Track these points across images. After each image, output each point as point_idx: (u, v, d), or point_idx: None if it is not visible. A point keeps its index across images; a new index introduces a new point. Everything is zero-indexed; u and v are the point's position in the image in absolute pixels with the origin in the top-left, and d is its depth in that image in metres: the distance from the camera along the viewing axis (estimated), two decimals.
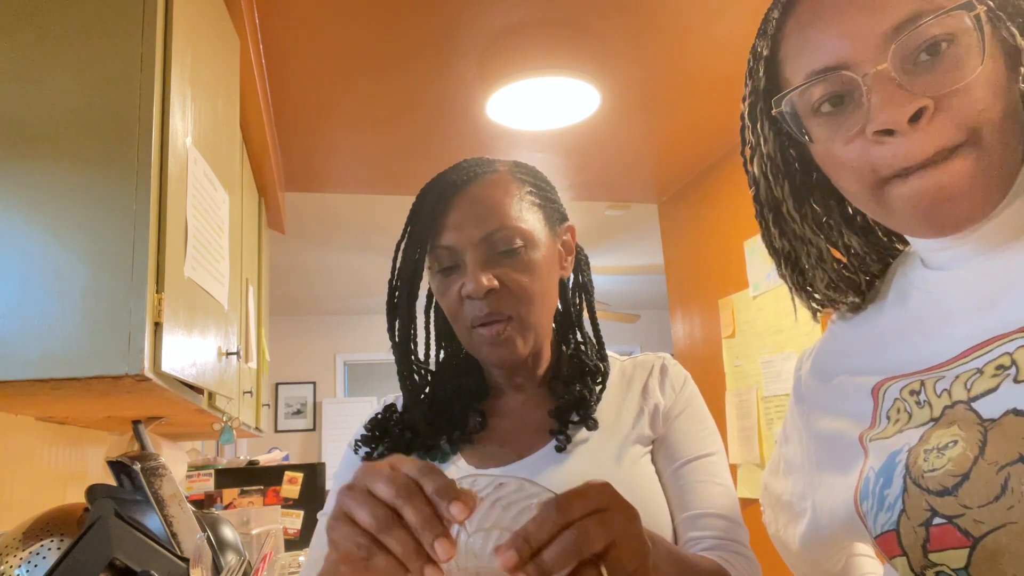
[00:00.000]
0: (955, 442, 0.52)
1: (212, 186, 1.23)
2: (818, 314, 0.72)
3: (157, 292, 0.91)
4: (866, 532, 0.59)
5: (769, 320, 2.67)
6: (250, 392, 2.13)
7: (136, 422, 1.22)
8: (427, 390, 0.91)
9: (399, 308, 0.87)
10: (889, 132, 0.55)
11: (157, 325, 0.91)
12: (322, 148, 2.61)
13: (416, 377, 0.89)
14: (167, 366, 0.93)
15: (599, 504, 0.50)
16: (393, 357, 0.88)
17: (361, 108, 2.30)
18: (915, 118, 0.54)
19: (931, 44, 0.54)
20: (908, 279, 0.65)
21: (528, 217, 0.83)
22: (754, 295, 2.76)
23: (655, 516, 0.79)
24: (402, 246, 0.86)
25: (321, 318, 6.42)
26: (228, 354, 1.36)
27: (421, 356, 0.92)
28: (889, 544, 0.56)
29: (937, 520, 0.52)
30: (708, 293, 3.09)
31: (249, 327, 2.08)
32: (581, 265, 0.94)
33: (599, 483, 0.51)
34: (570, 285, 0.93)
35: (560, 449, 0.81)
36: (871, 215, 0.63)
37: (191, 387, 1.14)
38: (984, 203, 0.55)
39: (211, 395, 1.35)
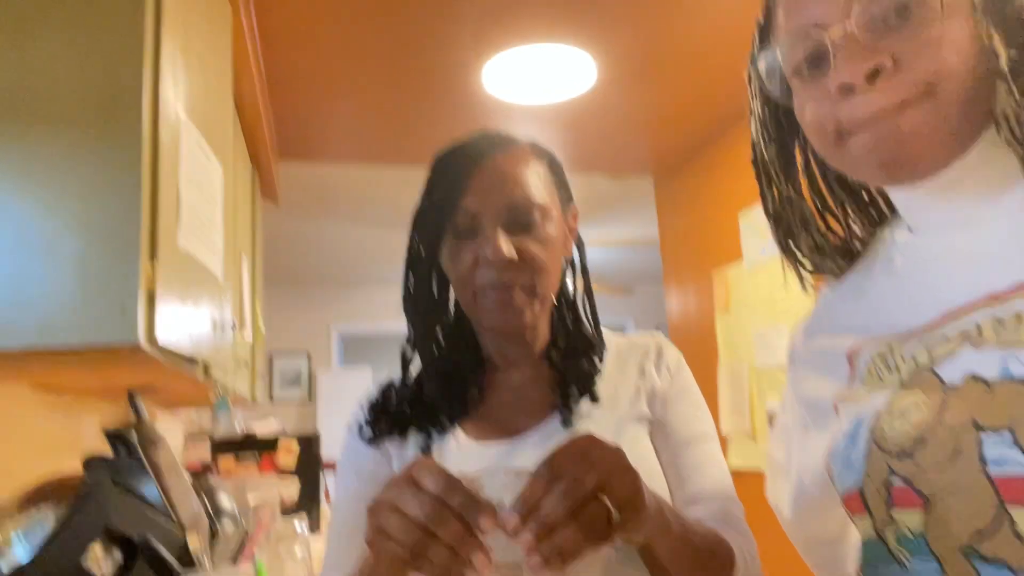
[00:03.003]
0: (917, 406, 0.54)
1: (205, 156, 1.22)
2: (806, 283, 0.73)
3: (151, 263, 0.91)
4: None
5: (763, 293, 2.68)
6: (245, 363, 2.14)
7: (131, 392, 1.23)
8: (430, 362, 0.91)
9: (419, 272, 0.87)
10: (849, 88, 0.57)
11: (151, 295, 0.91)
12: (316, 118, 2.59)
13: (436, 343, 0.90)
14: (161, 336, 0.93)
15: (582, 449, 0.53)
16: (409, 322, 0.88)
17: (355, 77, 2.28)
18: (873, 75, 0.56)
19: (899, 5, 0.56)
20: (895, 243, 0.66)
21: (546, 194, 0.85)
22: (748, 268, 2.77)
23: (656, 492, 0.80)
24: (422, 208, 0.86)
25: (315, 289, 6.42)
26: (223, 325, 1.36)
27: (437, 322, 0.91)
28: (854, 503, 0.58)
29: (896, 481, 0.54)
30: (702, 266, 3.10)
31: (243, 298, 2.08)
32: (580, 247, 0.94)
33: (580, 436, 0.54)
34: (569, 265, 0.94)
35: (567, 423, 0.82)
36: (838, 168, 0.66)
37: (186, 358, 1.15)
38: (938, 153, 0.57)
39: (206, 365, 1.35)
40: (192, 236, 1.11)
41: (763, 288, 2.68)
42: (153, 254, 0.92)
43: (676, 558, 0.67)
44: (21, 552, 0.95)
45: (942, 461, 0.51)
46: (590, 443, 0.54)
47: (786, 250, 0.73)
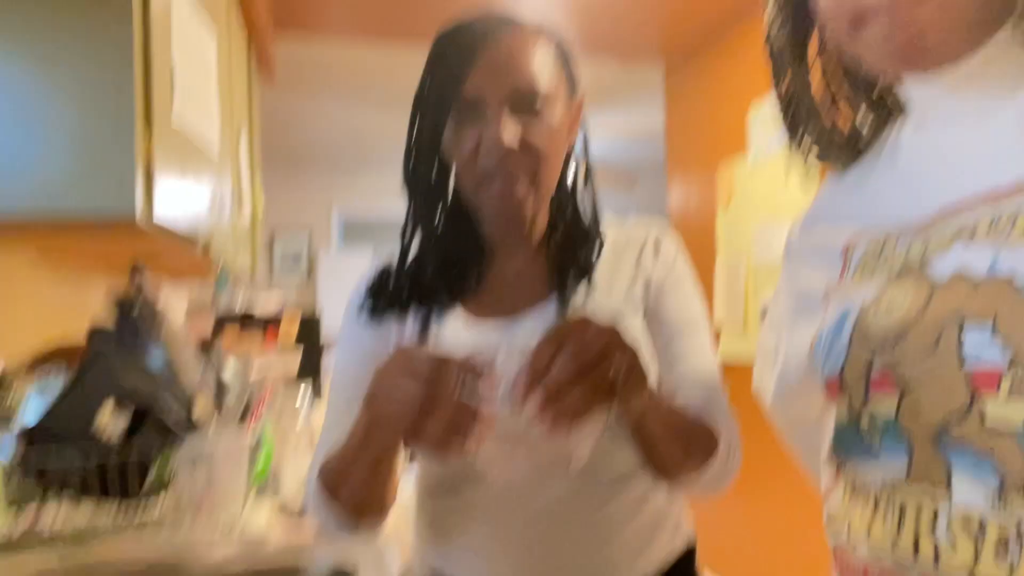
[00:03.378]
0: (904, 299, 0.56)
1: (197, 25, 1.18)
2: (810, 174, 0.73)
3: (147, 136, 0.90)
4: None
5: (765, 190, 2.66)
6: (245, 241, 2.15)
7: (135, 263, 1.24)
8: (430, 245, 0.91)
9: (420, 154, 0.86)
10: None
11: (148, 170, 0.90)
12: None
13: (435, 226, 0.90)
14: (159, 211, 0.93)
15: (583, 323, 0.55)
16: (408, 204, 0.88)
17: None
18: None
19: None
20: (902, 137, 0.66)
21: (553, 79, 0.83)
22: (753, 164, 2.73)
23: None
24: (424, 89, 0.84)
25: (316, 170, 6.35)
26: (221, 201, 1.36)
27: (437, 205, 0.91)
28: (833, 389, 0.61)
29: (875, 369, 0.56)
30: (707, 160, 3.06)
31: (242, 175, 2.06)
32: (584, 136, 0.93)
33: (578, 316, 0.55)
34: (573, 155, 0.92)
35: (562, 311, 0.84)
36: (852, 55, 0.64)
37: (185, 234, 1.15)
38: (954, 45, 0.56)
39: (206, 242, 1.36)
40: (188, 110, 1.09)
41: (766, 184, 2.66)
42: (149, 127, 0.91)
43: (664, 437, 0.70)
44: (34, 411, 0.99)
45: (922, 352, 0.53)
46: (589, 319, 0.56)
47: (793, 137, 0.72)
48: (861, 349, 0.57)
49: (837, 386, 0.60)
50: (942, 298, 0.53)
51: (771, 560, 2.88)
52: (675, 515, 0.91)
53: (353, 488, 0.75)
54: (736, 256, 2.90)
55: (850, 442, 0.60)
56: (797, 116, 0.71)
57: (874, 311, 0.57)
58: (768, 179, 2.64)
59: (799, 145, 0.72)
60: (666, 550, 0.87)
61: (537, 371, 0.53)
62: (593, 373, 0.53)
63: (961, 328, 0.51)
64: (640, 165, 6.33)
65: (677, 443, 0.73)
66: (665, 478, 0.77)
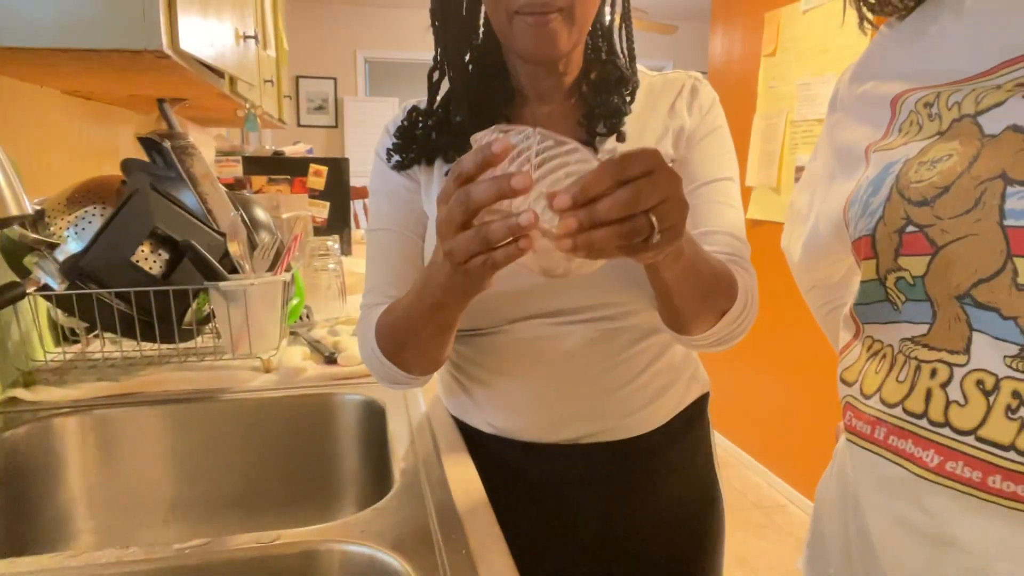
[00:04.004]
0: (949, 156, 0.54)
1: None
2: (865, 22, 0.68)
3: None
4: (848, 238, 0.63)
5: (816, 39, 2.51)
6: (271, 81, 2.10)
7: (161, 100, 1.23)
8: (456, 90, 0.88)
9: None
10: None
11: (170, 1, 0.88)
12: None
13: (464, 68, 0.86)
14: (184, 43, 0.91)
15: (651, 166, 0.52)
16: (437, 43, 0.84)
17: None
18: None
19: None
20: None
21: None
22: (805, 9, 2.56)
23: None
24: None
25: (341, 9, 6.08)
26: (245, 37, 1.32)
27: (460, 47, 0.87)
28: (864, 248, 0.60)
29: (909, 228, 0.55)
30: (755, 4, 2.87)
31: (265, 11, 1.98)
32: None
33: (650, 148, 0.53)
34: None
35: (592, 153, 0.82)
36: None
37: (211, 67, 1.13)
38: None
39: (232, 80, 1.33)
40: None
41: (816, 32, 2.50)
42: None
43: (681, 282, 0.70)
44: (75, 245, 1.02)
45: (961, 211, 0.52)
46: (660, 162, 0.53)
47: None
48: (897, 208, 0.56)
49: (869, 244, 0.59)
50: (990, 154, 0.51)
51: (772, 424, 2.99)
52: (691, 368, 0.94)
53: (419, 350, 0.78)
54: (776, 112, 2.79)
55: (874, 301, 0.61)
56: None
57: (916, 168, 0.56)
58: (820, 25, 2.48)
59: None
60: (680, 399, 0.91)
61: (588, 196, 0.50)
62: (636, 221, 0.51)
63: (1006, 187, 0.49)
64: (682, 10, 5.97)
65: (696, 292, 0.73)
66: (679, 327, 0.78)
